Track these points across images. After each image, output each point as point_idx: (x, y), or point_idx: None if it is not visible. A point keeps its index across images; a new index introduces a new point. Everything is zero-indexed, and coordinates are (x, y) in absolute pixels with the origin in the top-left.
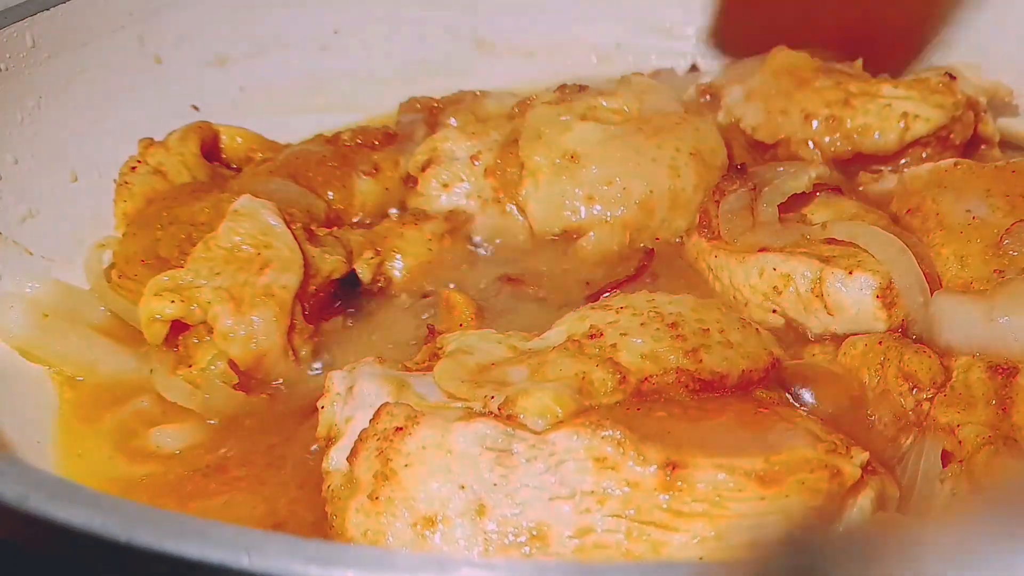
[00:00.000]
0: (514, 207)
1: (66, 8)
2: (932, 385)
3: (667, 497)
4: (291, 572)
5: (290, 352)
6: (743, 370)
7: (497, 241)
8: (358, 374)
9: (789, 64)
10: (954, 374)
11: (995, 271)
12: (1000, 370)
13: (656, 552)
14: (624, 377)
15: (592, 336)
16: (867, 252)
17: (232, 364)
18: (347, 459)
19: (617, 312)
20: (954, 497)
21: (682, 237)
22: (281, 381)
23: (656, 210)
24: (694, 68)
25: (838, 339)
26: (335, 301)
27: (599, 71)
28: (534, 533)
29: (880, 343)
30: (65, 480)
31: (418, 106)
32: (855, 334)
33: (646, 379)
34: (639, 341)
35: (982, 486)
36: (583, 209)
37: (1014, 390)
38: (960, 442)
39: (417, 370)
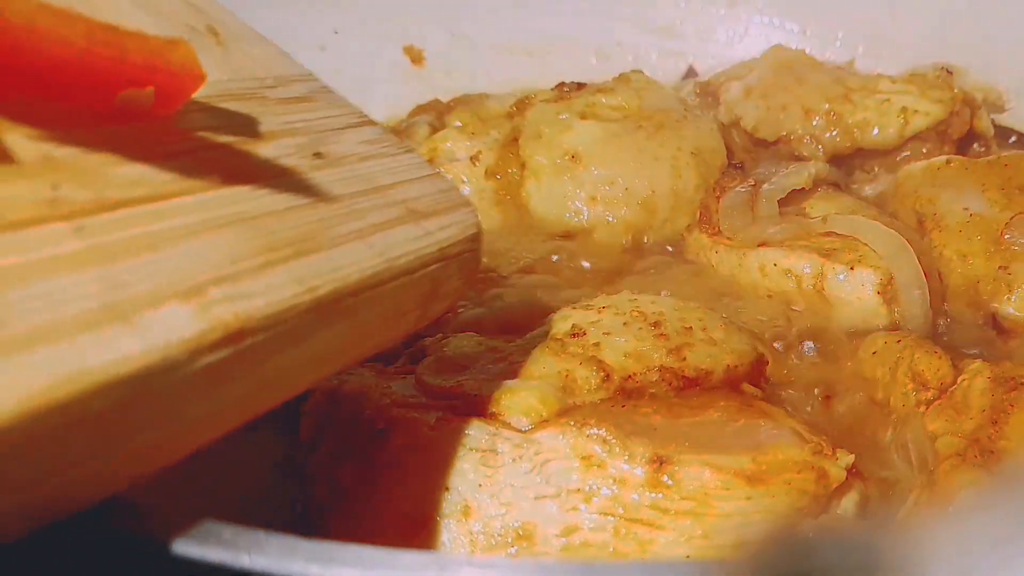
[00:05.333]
0: (516, 207)
1: None
2: (939, 387)
3: (654, 495)
4: (291, 571)
5: None
6: (728, 366)
7: (500, 241)
8: (340, 377)
9: (787, 61)
10: (959, 379)
11: (999, 267)
12: (1005, 382)
13: (643, 550)
14: (608, 375)
15: (575, 335)
16: (868, 246)
17: None
18: (330, 464)
19: (599, 312)
20: (915, 507)
21: (683, 234)
22: None
23: (658, 210)
24: (691, 71)
25: (859, 336)
26: None
27: (599, 71)
28: (520, 533)
29: (898, 342)
30: None
31: (429, 108)
32: (855, 329)
33: (630, 377)
34: (622, 340)
35: (941, 499)
36: (586, 210)
37: (1013, 403)
38: (937, 451)
39: (398, 373)
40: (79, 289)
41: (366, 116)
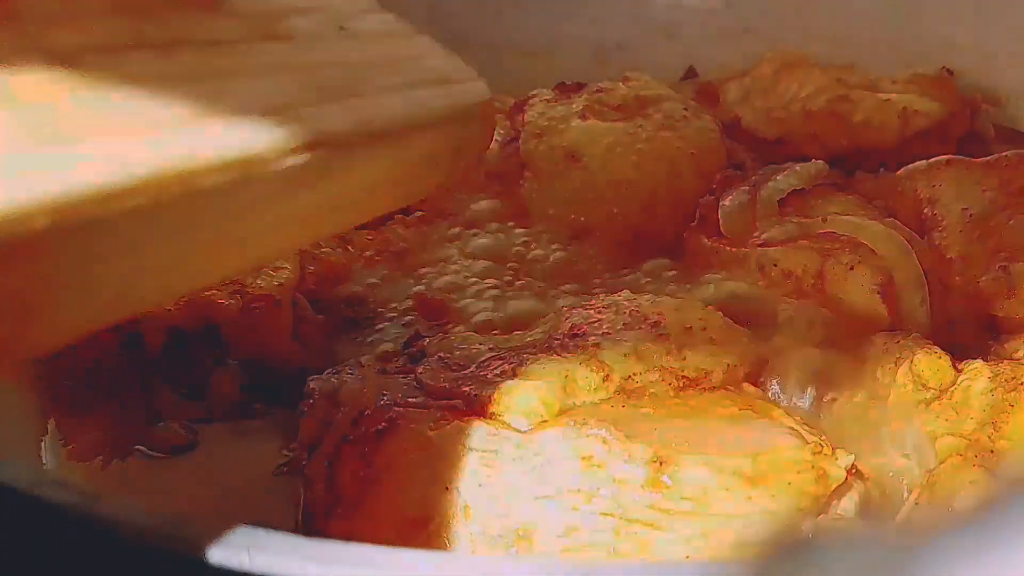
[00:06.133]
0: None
1: None
2: (938, 387)
3: (654, 495)
4: (291, 571)
5: (298, 347)
6: (728, 366)
7: (503, 240)
8: (339, 377)
9: (787, 61)
10: (959, 379)
11: (1000, 267)
12: (1005, 382)
13: (643, 550)
14: (608, 375)
15: (575, 335)
16: (868, 246)
17: None
18: (328, 465)
19: (599, 312)
20: (915, 507)
21: (683, 235)
22: None
23: (658, 211)
24: (691, 71)
25: (858, 336)
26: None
27: (599, 71)
28: (520, 533)
29: (898, 342)
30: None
31: None
32: (855, 329)
33: (630, 377)
34: (622, 340)
35: (941, 499)
36: (586, 210)
37: (1013, 403)
38: (937, 452)
39: (398, 373)
40: (180, 98)
41: (380, 8)
